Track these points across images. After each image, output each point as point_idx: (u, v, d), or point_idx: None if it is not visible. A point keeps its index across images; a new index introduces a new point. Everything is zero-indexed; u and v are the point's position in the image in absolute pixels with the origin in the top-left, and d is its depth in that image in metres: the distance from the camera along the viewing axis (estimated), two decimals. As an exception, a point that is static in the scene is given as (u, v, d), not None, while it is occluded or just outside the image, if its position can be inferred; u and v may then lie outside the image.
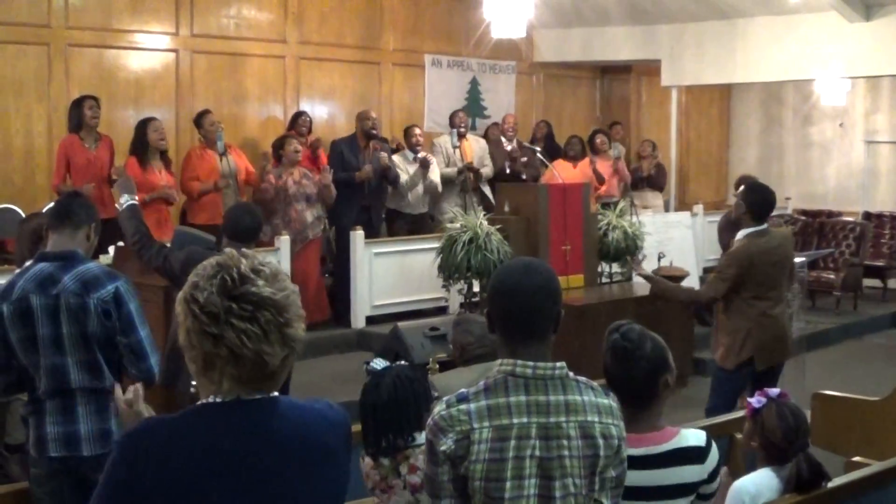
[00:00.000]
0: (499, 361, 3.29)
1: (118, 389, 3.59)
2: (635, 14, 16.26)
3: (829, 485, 4.61)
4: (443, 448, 3.18)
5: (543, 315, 3.26)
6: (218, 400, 2.55)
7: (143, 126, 10.54)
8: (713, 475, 3.89)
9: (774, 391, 4.77)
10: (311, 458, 2.60)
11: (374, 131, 12.43)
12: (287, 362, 2.57)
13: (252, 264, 2.55)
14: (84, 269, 4.85)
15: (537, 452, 3.16)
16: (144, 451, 2.49)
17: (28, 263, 5.04)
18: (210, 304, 2.49)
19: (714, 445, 3.92)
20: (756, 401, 4.71)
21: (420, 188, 12.88)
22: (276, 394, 2.62)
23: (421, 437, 4.43)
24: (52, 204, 10.31)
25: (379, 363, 4.67)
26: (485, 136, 14.66)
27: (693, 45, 16.07)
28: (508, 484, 3.14)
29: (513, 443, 3.15)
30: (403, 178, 12.64)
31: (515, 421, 3.17)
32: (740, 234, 7.33)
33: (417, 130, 13.09)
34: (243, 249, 2.66)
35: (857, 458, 5.33)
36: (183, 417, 2.60)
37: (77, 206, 5.02)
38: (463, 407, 3.20)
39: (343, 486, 2.74)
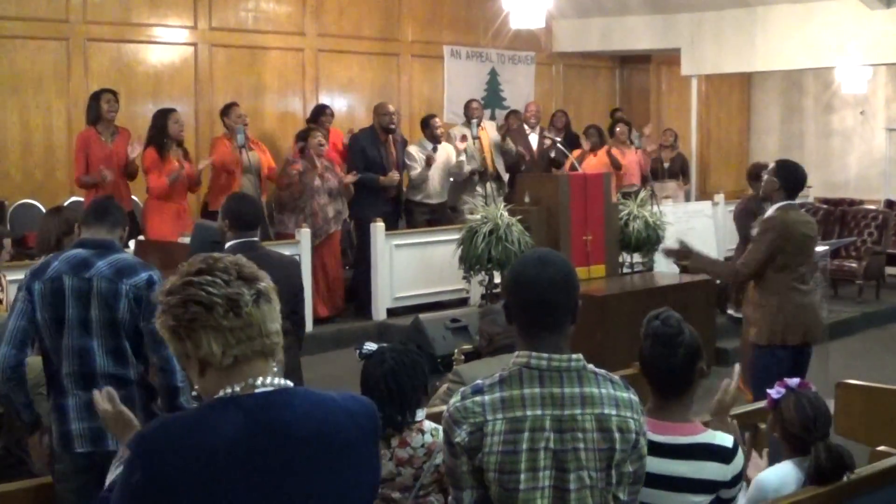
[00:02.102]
0: (515, 353, 3.29)
1: (97, 394, 3.58)
2: (654, 3, 16.22)
3: (853, 475, 4.57)
4: (457, 440, 3.18)
5: (559, 307, 3.26)
6: (229, 392, 2.55)
7: (163, 117, 10.52)
8: (735, 480, 3.87)
9: (794, 381, 4.73)
10: (328, 450, 2.57)
11: (393, 126, 12.41)
12: (264, 308, 2.59)
13: (215, 260, 2.64)
14: (119, 257, 4.91)
15: (552, 445, 3.15)
16: (159, 450, 2.48)
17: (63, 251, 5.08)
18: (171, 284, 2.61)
19: (741, 452, 3.90)
20: (776, 391, 4.69)
21: (437, 179, 12.84)
22: (289, 383, 2.60)
23: (420, 414, 4.46)
24: (73, 199, 10.46)
25: (372, 345, 4.71)
26: (504, 125, 14.61)
27: (713, 34, 16.00)
28: (523, 476, 3.13)
29: (526, 435, 3.15)
30: (416, 171, 12.64)
31: (529, 413, 3.16)
32: (772, 209, 7.31)
33: (437, 121, 13.06)
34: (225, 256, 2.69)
35: (881, 448, 5.28)
36: (196, 413, 2.60)
37: (114, 207, 5.10)
38: (477, 399, 3.20)
39: (370, 479, 2.70)
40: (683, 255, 7.71)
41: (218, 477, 2.45)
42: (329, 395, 2.67)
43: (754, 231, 7.50)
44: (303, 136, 11.81)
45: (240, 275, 2.59)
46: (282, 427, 2.52)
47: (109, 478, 3.08)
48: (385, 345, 4.73)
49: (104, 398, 3.48)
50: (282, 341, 2.64)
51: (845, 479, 4.49)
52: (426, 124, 13.09)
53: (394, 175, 12.23)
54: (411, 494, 4.33)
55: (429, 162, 12.61)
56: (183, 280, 2.58)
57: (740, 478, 3.91)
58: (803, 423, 4.55)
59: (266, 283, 2.63)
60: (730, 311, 11.10)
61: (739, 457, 3.89)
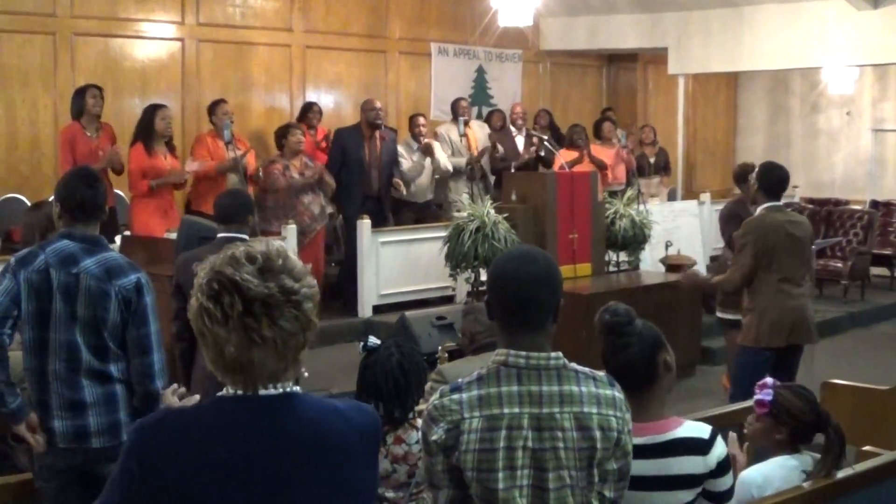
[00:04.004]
0: (495, 351, 3.27)
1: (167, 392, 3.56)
2: (642, 2, 16.22)
3: (841, 474, 4.59)
4: (434, 438, 3.17)
5: (540, 305, 3.24)
6: (231, 393, 2.53)
7: (151, 113, 10.49)
8: (720, 470, 3.84)
9: (770, 380, 4.74)
10: (327, 458, 2.54)
11: (379, 121, 12.39)
12: (257, 356, 2.47)
13: (250, 250, 2.51)
14: (108, 257, 4.85)
15: (530, 443, 3.14)
16: (156, 443, 2.47)
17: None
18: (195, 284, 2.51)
19: (719, 440, 3.88)
20: (764, 394, 4.67)
21: (424, 177, 12.86)
22: (296, 389, 2.56)
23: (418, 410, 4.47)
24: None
25: (376, 340, 4.69)
26: (487, 123, 14.64)
27: (700, 33, 16.01)
28: (501, 475, 3.12)
29: (503, 433, 3.13)
30: (406, 165, 12.63)
31: (506, 411, 3.15)
32: (759, 210, 7.39)
33: (422, 120, 13.05)
34: (261, 238, 2.62)
35: (867, 448, 5.30)
36: (197, 410, 2.59)
37: (101, 199, 4.97)
38: (455, 396, 3.19)
39: (367, 490, 2.67)
40: (691, 281, 7.83)
41: (212, 476, 2.44)
42: (333, 403, 2.64)
43: (738, 237, 7.54)
44: (282, 134, 11.78)
45: (243, 317, 2.44)
46: (282, 432, 2.50)
47: None
48: (389, 340, 4.72)
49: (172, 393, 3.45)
50: (296, 359, 2.56)
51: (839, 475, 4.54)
52: (410, 123, 13.11)
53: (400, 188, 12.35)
54: (406, 492, 4.31)
55: (427, 151, 12.64)
56: (197, 282, 2.50)
57: (726, 466, 3.89)
58: (812, 406, 4.59)
59: (273, 331, 2.47)
60: (718, 314, 11.09)
61: (718, 445, 3.87)
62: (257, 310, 2.45)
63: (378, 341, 4.66)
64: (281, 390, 2.53)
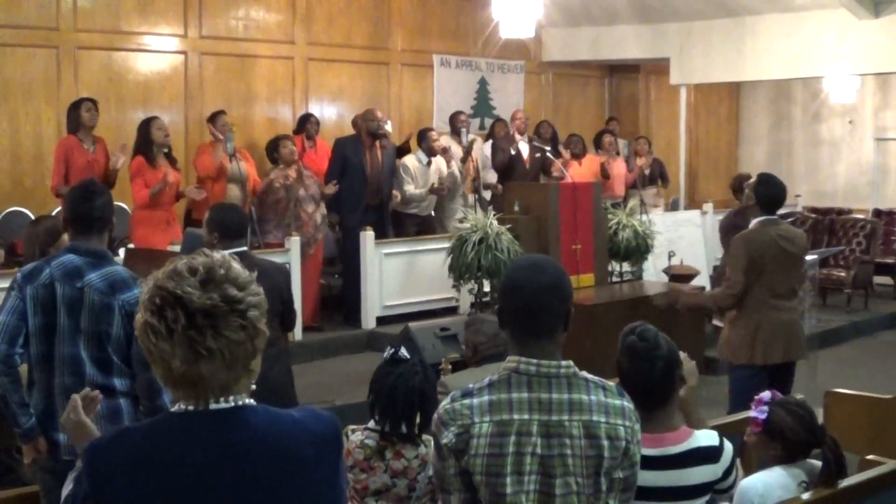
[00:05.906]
0: (507, 358, 3.30)
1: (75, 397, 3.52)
2: (644, 12, 16.24)
3: (844, 483, 4.59)
4: (444, 441, 3.19)
5: (551, 313, 3.26)
6: (182, 409, 2.49)
7: (146, 125, 10.52)
8: (728, 472, 3.92)
9: (767, 395, 4.75)
10: (282, 468, 2.50)
11: (382, 132, 12.38)
12: (205, 369, 2.43)
13: (192, 263, 2.48)
14: (112, 270, 4.88)
15: (538, 450, 3.16)
16: (109, 462, 2.45)
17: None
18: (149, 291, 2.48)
19: (727, 444, 3.93)
20: (759, 412, 4.67)
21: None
22: (249, 401, 2.53)
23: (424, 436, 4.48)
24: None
25: (406, 353, 4.71)
26: (490, 134, 14.65)
27: (701, 44, 16.02)
28: (508, 479, 3.14)
29: (513, 438, 3.16)
30: (409, 189, 12.60)
31: (516, 417, 3.17)
32: (752, 223, 7.31)
33: (434, 135, 13.01)
34: (205, 251, 2.56)
35: (870, 457, 5.30)
36: (149, 427, 2.55)
37: (98, 212, 4.97)
38: (466, 401, 3.22)
39: (332, 497, 2.61)
40: (673, 300, 7.73)
41: (167, 495, 2.41)
42: (289, 413, 2.60)
43: (730, 251, 7.45)
44: (273, 147, 11.80)
45: (187, 331, 2.41)
46: (237, 445, 2.46)
47: (64, 492, 2.95)
48: (416, 357, 4.76)
49: (72, 407, 3.43)
50: (246, 377, 2.54)
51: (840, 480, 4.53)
52: (422, 137, 13.06)
53: (395, 195, 12.28)
54: None
55: (436, 191, 12.68)
56: (142, 297, 2.49)
57: (732, 468, 3.95)
58: (806, 427, 4.58)
59: (218, 343, 2.43)
60: (714, 322, 11.11)
61: (727, 451, 3.93)
62: (200, 321, 2.41)
63: (408, 355, 4.69)
64: (232, 403, 2.49)
